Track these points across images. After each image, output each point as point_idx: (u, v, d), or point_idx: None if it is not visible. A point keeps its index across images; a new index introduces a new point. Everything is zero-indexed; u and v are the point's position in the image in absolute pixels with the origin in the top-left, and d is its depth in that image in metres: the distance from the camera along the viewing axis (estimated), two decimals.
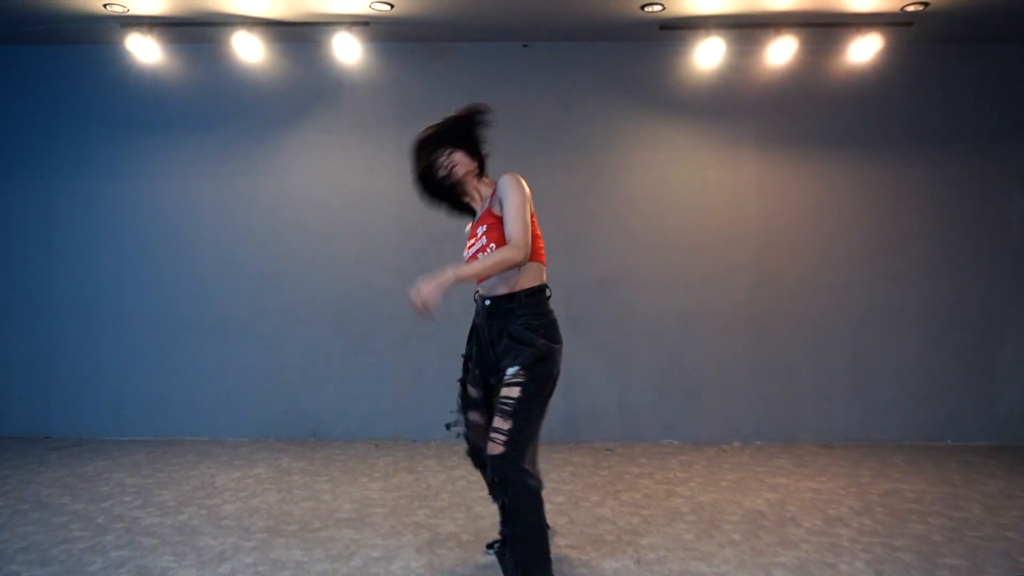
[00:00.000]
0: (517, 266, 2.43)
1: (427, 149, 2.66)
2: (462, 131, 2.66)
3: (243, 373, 5.22)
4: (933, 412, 5.16)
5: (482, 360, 2.63)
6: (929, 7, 4.46)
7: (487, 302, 2.57)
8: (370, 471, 4.31)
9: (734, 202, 5.18)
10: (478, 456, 2.69)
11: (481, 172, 2.73)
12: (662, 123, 5.19)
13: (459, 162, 2.65)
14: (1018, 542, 3.13)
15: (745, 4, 4.49)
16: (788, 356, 5.19)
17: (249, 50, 4.87)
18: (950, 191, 5.15)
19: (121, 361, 5.24)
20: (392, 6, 4.51)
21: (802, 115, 5.15)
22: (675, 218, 5.19)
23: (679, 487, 3.99)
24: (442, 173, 2.65)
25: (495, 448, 2.36)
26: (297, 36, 4.99)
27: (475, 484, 4.01)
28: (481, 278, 2.51)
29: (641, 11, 4.57)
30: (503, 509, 2.65)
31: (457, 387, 2.75)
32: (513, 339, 2.45)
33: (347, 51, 4.85)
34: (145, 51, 4.87)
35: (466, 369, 2.72)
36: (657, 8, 4.53)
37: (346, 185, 5.22)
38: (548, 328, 2.51)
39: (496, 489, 2.56)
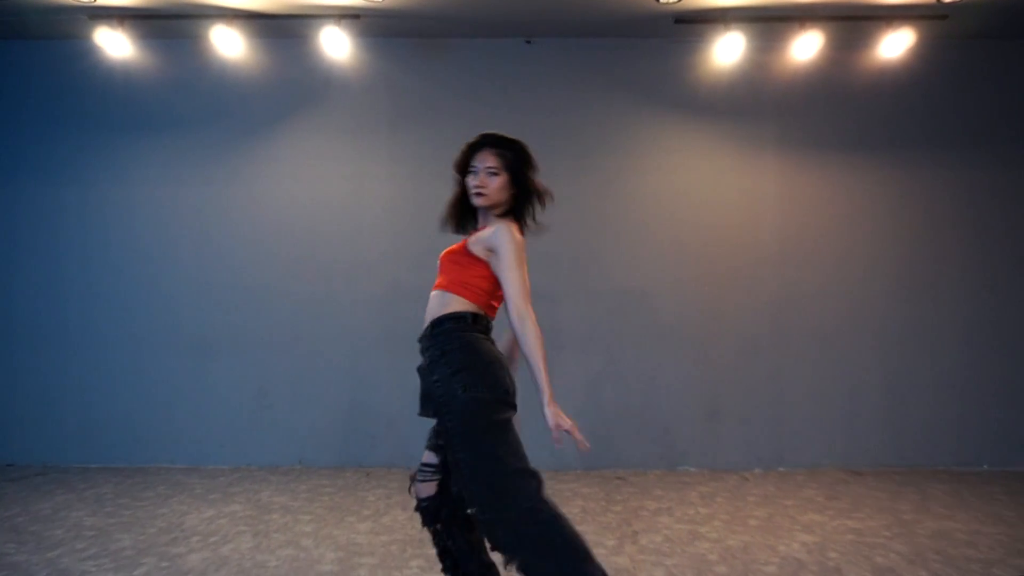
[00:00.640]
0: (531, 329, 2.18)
1: (490, 145, 2.37)
2: (526, 163, 2.39)
3: (223, 395, 4.82)
4: (969, 435, 4.79)
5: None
6: None
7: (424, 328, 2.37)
8: (359, 507, 3.89)
9: (754, 210, 4.81)
10: (420, 500, 2.42)
11: (506, 214, 2.38)
12: (677, 125, 4.82)
13: (500, 184, 2.34)
14: None
15: None
16: (813, 375, 4.81)
17: (229, 45, 4.49)
18: (988, 197, 4.80)
19: (90, 382, 4.83)
20: None
21: (828, 116, 4.80)
22: (691, 227, 4.82)
23: (703, 527, 3.58)
24: (477, 181, 2.33)
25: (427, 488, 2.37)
26: (281, 30, 4.62)
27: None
28: (546, 372, 2.20)
29: (656, 3, 4.20)
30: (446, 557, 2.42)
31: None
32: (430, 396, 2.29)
33: (336, 46, 4.50)
34: (115, 46, 4.51)
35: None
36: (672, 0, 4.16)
37: (334, 192, 4.84)
38: (461, 355, 2.21)
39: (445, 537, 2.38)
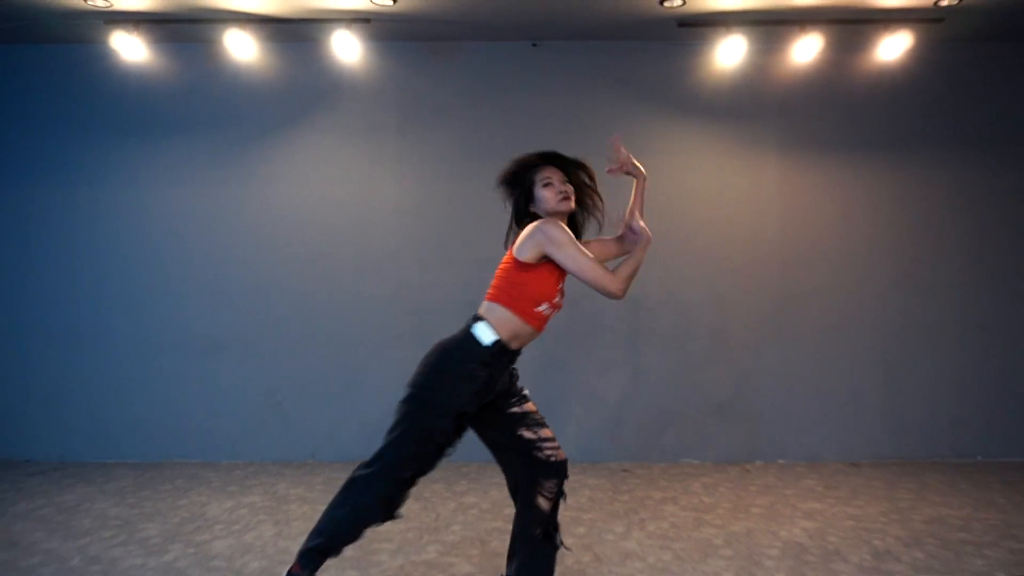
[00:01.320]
0: (610, 294, 2.44)
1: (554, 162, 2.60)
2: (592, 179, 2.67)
3: (234, 393, 4.92)
4: (966, 427, 4.91)
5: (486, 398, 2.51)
6: (963, 2, 4.23)
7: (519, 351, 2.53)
8: None
9: (757, 209, 4.93)
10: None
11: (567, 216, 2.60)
12: (680, 127, 4.93)
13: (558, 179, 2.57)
14: None
15: (769, 0, 4.25)
16: (813, 371, 4.93)
17: (242, 49, 4.60)
18: (986, 197, 4.92)
19: (105, 380, 4.93)
20: (394, 1, 4.25)
21: (828, 117, 4.91)
22: (694, 227, 4.94)
23: (707, 514, 3.71)
24: (562, 188, 2.55)
25: (562, 454, 2.53)
26: (293, 34, 4.72)
27: (487, 513, 3.73)
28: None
29: (660, 7, 4.32)
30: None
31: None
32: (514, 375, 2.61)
33: (346, 50, 4.59)
34: (131, 50, 4.59)
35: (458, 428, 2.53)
36: (676, 3, 4.27)
37: (344, 194, 4.94)
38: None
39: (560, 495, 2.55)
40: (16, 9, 4.29)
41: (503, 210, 4.84)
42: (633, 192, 2.83)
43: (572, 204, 2.53)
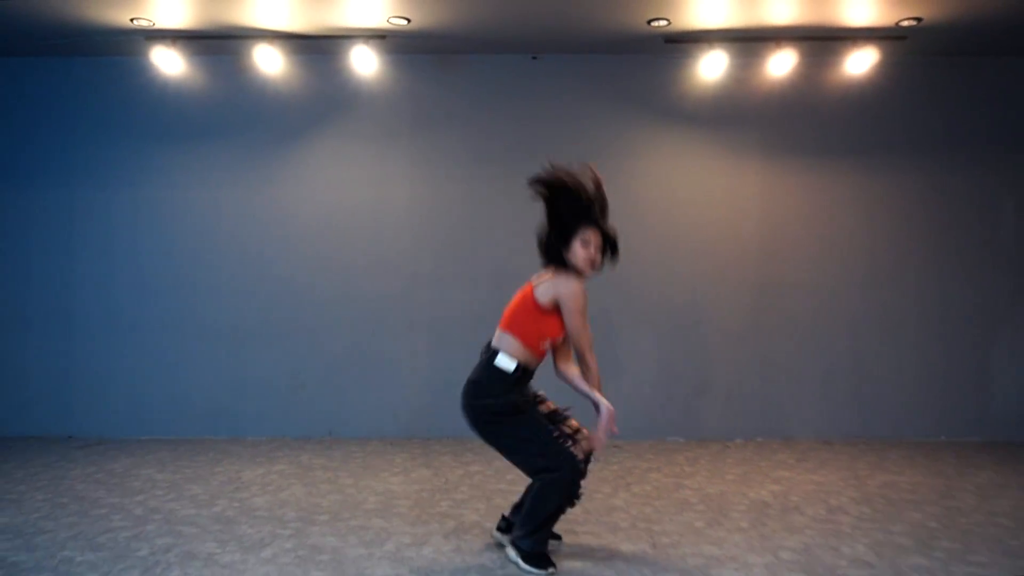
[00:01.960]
0: (583, 358, 2.91)
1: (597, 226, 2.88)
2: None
3: (259, 377, 5.38)
4: (928, 410, 5.36)
5: None
6: (922, 22, 4.67)
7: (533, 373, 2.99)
8: (389, 466, 4.48)
9: (738, 209, 5.38)
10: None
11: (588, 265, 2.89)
12: (666, 134, 5.38)
13: (595, 245, 2.86)
14: (1008, 527, 3.33)
15: (747, 18, 4.70)
16: (789, 357, 5.38)
17: (270, 62, 5.05)
18: (943, 199, 5.37)
19: (141, 364, 5.40)
20: (409, 20, 4.71)
21: (803, 125, 5.36)
22: (681, 225, 5.38)
23: (686, 480, 4.18)
24: (595, 255, 2.87)
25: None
26: (316, 49, 5.18)
27: (491, 477, 4.20)
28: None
29: (647, 25, 4.77)
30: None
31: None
32: None
33: (364, 63, 5.04)
34: (169, 63, 5.05)
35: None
36: (663, 23, 4.73)
37: (362, 194, 5.40)
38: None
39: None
40: (67, 26, 4.75)
41: (508, 209, 5.35)
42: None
43: (595, 272, 2.89)
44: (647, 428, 5.35)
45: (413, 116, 5.40)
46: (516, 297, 2.94)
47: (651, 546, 3.06)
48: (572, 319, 2.80)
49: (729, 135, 5.37)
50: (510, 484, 4.00)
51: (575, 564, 2.86)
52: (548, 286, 2.82)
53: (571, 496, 2.83)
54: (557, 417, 2.96)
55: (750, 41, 5.01)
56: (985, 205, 5.36)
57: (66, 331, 5.42)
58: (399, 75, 5.37)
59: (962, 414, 5.36)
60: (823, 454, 4.86)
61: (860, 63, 5.02)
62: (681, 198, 5.39)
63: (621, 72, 5.36)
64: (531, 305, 2.84)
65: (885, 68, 5.18)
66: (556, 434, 2.82)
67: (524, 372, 2.88)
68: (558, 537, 3.08)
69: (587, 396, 2.89)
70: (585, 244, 2.83)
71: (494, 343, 2.91)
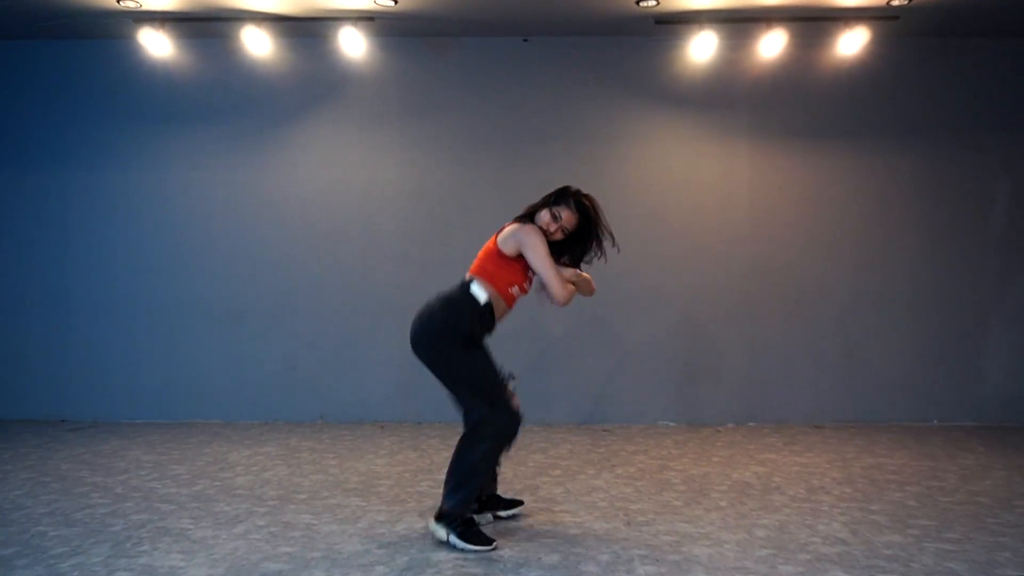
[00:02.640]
0: (554, 297, 2.88)
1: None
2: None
3: (252, 359, 5.40)
4: (920, 394, 5.33)
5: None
6: (914, 2, 4.62)
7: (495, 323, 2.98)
8: (376, 449, 4.49)
9: (728, 192, 5.34)
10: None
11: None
12: (657, 116, 5.35)
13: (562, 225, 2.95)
14: (987, 506, 3.30)
15: None
16: (780, 341, 5.35)
17: (258, 44, 5.05)
18: (934, 181, 5.32)
19: (134, 347, 5.43)
20: (396, 2, 4.68)
21: (793, 107, 5.31)
22: (670, 208, 5.36)
23: (672, 462, 4.16)
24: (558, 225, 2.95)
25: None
26: (304, 31, 5.17)
27: None
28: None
29: (637, 6, 4.73)
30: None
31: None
32: None
33: (353, 46, 5.03)
34: (157, 46, 5.05)
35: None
36: (652, 3, 4.69)
37: (352, 178, 5.40)
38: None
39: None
40: (54, 8, 4.75)
41: (499, 193, 5.36)
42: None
43: (554, 237, 2.91)
44: (638, 413, 5.34)
45: (402, 99, 5.38)
46: (482, 249, 2.99)
47: (625, 523, 3.06)
48: (531, 253, 2.83)
49: (720, 118, 5.33)
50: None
51: (546, 541, 2.86)
52: (508, 232, 2.90)
53: (500, 447, 2.84)
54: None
55: (741, 22, 4.97)
56: (978, 187, 5.31)
57: (61, 315, 5.45)
58: (388, 58, 5.35)
59: (954, 398, 5.32)
60: (813, 438, 4.84)
61: (852, 44, 4.97)
62: (671, 181, 5.36)
63: (612, 54, 5.32)
64: (495, 253, 2.91)
65: (877, 49, 5.13)
66: (506, 386, 2.83)
67: (490, 314, 2.88)
68: (519, 503, 3.15)
69: (577, 279, 2.99)
70: (555, 217, 2.92)
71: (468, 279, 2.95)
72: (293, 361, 5.41)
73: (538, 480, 3.76)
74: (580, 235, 2.98)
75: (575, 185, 3.03)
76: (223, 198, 5.41)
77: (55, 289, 5.45)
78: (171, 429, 5.08)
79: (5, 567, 2.56)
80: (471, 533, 2.76)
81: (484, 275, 2.89)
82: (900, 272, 5.34)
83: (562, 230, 2.94)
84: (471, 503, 2.86)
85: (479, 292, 2.86)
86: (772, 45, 4.98)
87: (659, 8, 4.78)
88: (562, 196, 2.95)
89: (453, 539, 2.75)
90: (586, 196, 2.98)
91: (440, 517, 2.80)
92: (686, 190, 5.36)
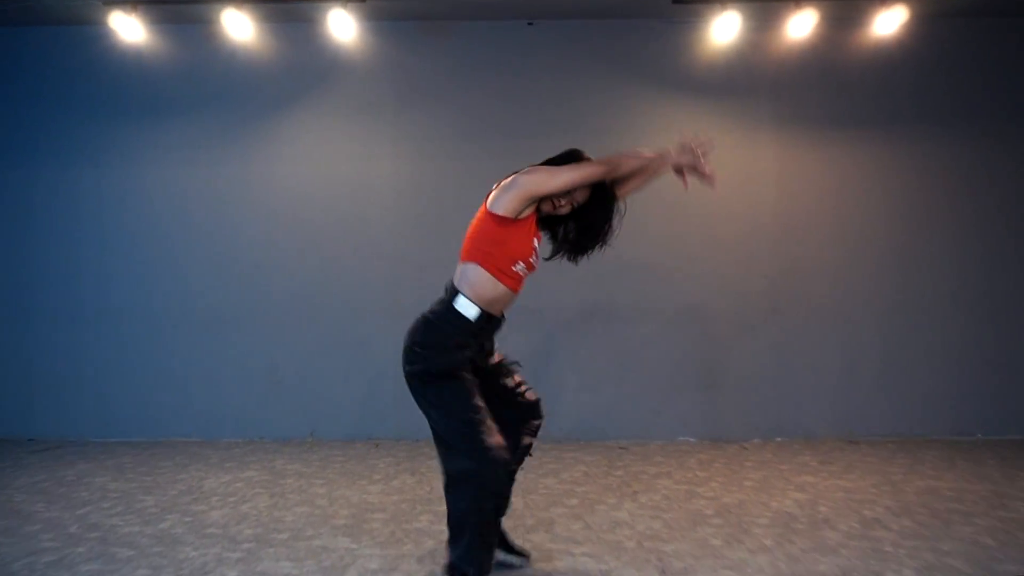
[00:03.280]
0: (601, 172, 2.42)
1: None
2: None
3: (236, 370, 4.97)
4: (963, 405, 4.91)
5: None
6: None
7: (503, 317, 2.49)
8: (370, 473, 4.05)
9: (751, 185, 4.93)
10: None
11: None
12: (675, 105, 4.93)
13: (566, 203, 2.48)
14: None
15: None
16: (809, 348, 4.93)
17: (239, 29, 4.63)
18: (981, 173, 4.90)
19: (106, 359, 4.99)
20: None
21: (823, 93, 4.91)
22: (689, 205, 4.92)
23: (700, 487, 3.73)
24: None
25: (534, 394, 2.61)
26: (289, 14, 4.74)
27: None
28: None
29: None
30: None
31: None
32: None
33: (343, 30, 4.63)
34: (129, 31, 4.64)
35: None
36: None
37: (343, 172, 4.98)
38: None
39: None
40: None
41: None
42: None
43: (561, 210, 2.46)
44: (655, 428, 4.91)
45: (396, 88, 4.96)
46: (470, 226, 2.48)
47: (660, 572, 2.62)
48: (555, 179, 2.34)
49: (743, 106, 4.91)
50: None
51: None
52: (500, 189, 2.39)
53: (486, 495, 2.29)
54: (502, 370, 2.55)
55: (766, 0, 4.55)
56: None
57: (26, 323, 5.02)
58: (381, 43, 4.92)
59: (1001, 411, 4.90)
60: (849, 455, 4.41)
61: (888, 23, 4.56)
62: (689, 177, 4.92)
63: (625, 38, 4.90)
64: (489, 221, 2.38)
65: (915, 29, 4.72)
66: (484, 423, 2.28)
67: (488, 320, 2.38)
68: (526, 555, 2.70)
69: (645, 165, 2.65)
70: (568, 194, 2.44)
71: (455, 282, 2.40)
72: (279, 372, 4.97)
73: (552, 512, 3.32)
74: (589, 213, 2.48)
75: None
76: (202, 196, 4.97)
77: (18, 296, 5.01)
78: (146, 449, 4.64)
79: None
80: None
81: (478, 258, 2.36)
82: (941, 273, 4.91)
83: (572, 202, 2.44)
84: (482, 558, 2.31)
85: (466, 307, 2.34)
86: (801, 26, 4.57)
87: None
88: (573, 158, 2.46)
89: None
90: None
91: (447, 570, 2.34)
92: (706, 185, 4.92)
